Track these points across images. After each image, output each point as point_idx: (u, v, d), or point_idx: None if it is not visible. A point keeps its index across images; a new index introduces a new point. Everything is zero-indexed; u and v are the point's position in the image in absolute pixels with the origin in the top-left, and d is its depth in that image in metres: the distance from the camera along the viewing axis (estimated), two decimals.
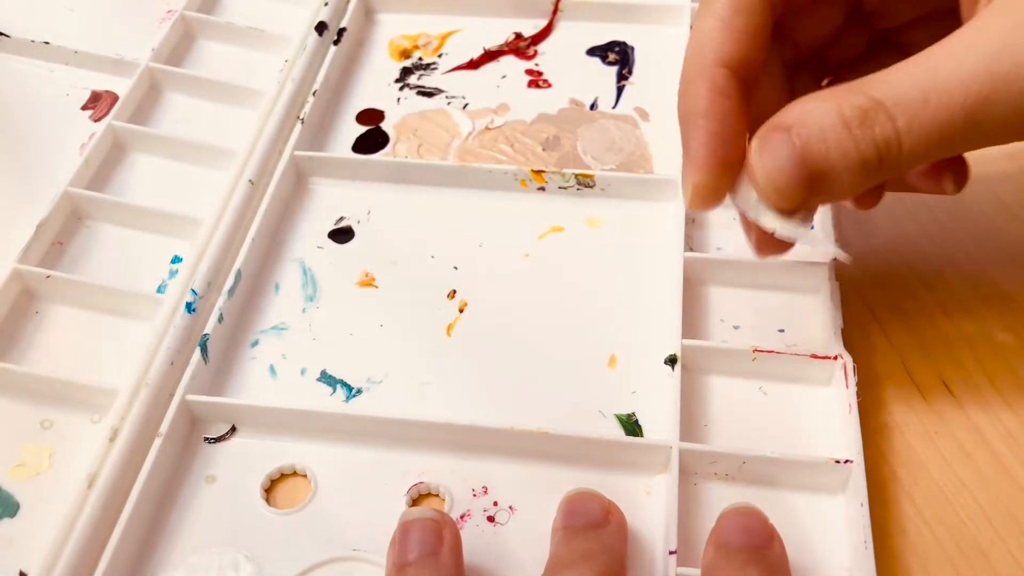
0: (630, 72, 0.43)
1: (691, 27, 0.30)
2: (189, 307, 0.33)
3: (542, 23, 0.45)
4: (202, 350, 0.32)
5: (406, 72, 0.44)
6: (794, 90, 0.31)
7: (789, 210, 0.27)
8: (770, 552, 0.26)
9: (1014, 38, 0.23)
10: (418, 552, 0.26)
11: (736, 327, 0.34)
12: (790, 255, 0.32)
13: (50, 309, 0.34)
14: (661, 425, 0.31)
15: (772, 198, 0.26)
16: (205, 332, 0.33)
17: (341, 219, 0.38)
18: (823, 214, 0.35)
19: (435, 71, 0.44)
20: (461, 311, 0.35)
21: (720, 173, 0.27)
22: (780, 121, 0.26)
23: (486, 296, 0.35)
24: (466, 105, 0.42)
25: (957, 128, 0.24)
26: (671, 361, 0.32)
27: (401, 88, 0.43)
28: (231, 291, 0.34)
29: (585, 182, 0.38)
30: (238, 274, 0.35)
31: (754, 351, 0.32)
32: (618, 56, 0.44)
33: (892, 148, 0.25)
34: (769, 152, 0.26)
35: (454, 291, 0.35)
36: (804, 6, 0.30)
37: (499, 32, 0.45)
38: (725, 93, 0.27)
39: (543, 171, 0.38)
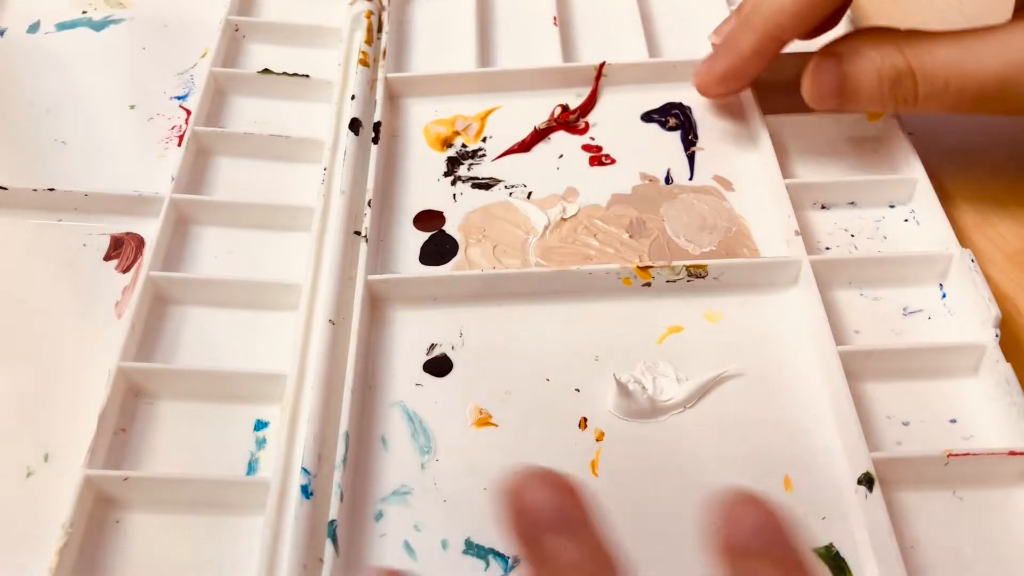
0: (696, 136, 0.40)
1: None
2: (305, 491, 0.29)
3: (584, 92, 0.42)
4: (332, 540, 0.28)
5: (453, 163, 0.40)
6: None
7: (822, 109, 0.36)
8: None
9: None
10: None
11: (905, 423, 0.31)
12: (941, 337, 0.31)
13: (132, 517, 0.29)
14: (864, 555, 0.28)
15: (813, 98, 0.35)
16: (331, 518, 0.28)
17: (432, 347, 0.34)
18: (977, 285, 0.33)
19: (484, 158, 0.40)
20: (599, 441, 0.31)
21: (725, 89, 0.39)
22: (837, 49, 0.35)
23: (622, 419, 0.32)
24: (530, 194, 0.38)
25: (964, 108, 0.33)
26: (867, 481, 0.28)
27: (453, 182, 0.39)
28: (344, 460, 0.30)
29: (697, 273, 0.34)
30: (346, 437, 0.30)
31: (948, 456, 0.29)
32: (678, 120, 0.41)
33: (908, 103, 0.33)
34: (818, 75, 0.35)
35: (584, 419, 0.32)
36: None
37: (539, 106, 0.41)
38: (765, 53, 0.36)
39: (650, 266, 0.34)
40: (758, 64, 0.37)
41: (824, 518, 0.29)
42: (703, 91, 0.40)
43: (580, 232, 0.37)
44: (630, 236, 0.36)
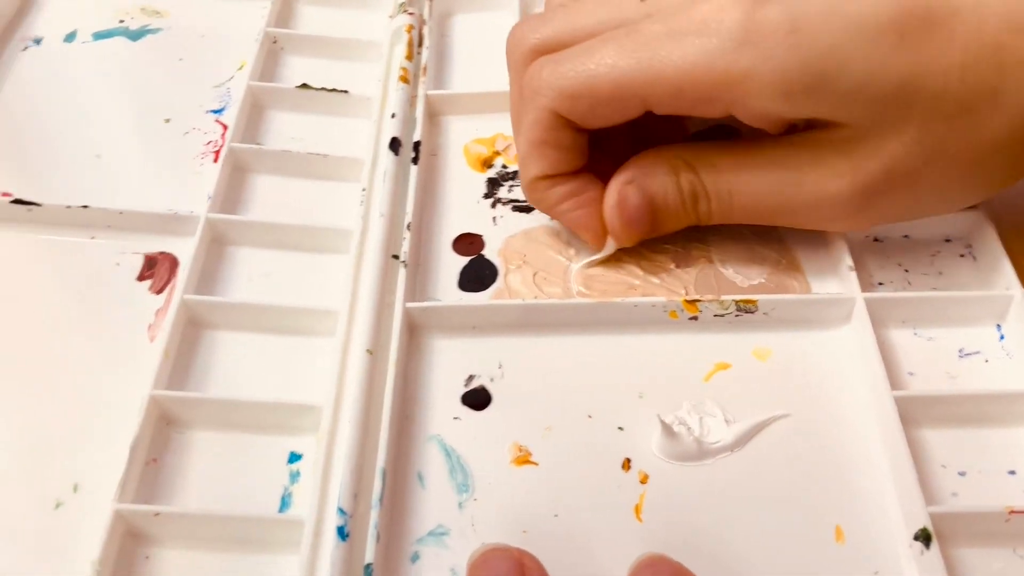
0: None
1: None
2: (341, 532, 0.28)
3: None
4: None
5: (494, 184, 0.39)
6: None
7: (631, 243, 0.35)
8: None
9: (806, 179, 0.32)
10: None
11: (962, 474, 0.30)
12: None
13: (162, 553, 0.28)
14: None
15: (620, 236, 0.34)
16: (368, 561, 0.27)
17: (471, 378, 0.33)
18: None
19: None
20: (643, 483, 0.30)
21: (631, 235, 0.34)
22: (631, 175, 0.33)
23: (667, 461, 0.30)
24: None
25: (752, 217, 0.33)
26: (924, 538, 0.27)
27: (493, 204, 0.38)
28: (381, 499, 0.29)
29: (746, 308, 0.33)
30: (383, 475, 0.29)
31: (1009, 512, 0.28)
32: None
33: (706, 215, 0.34)
34: (624, 204, 0.33)
35: (628, 460, 0.31)
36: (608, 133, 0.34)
37: None
38: (561, 192, 0.34)
39: (698, 300, 0.33)
40: (583, 194, 0.35)
41: (877, 573, 0.28)
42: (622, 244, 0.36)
43: (624, 260, 0.36)
44: (676, 266, 0.35)
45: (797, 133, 0.32)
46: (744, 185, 0.32)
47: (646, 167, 0.33)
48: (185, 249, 0.35)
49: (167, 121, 0.41)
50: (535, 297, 0.34)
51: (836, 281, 0.34)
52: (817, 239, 0.35)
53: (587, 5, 0.33)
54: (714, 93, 0.30)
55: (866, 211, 0.32)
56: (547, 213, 0.35)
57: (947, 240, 0.36)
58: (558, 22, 0.33)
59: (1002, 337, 0.33)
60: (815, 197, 0.32)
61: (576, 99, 0.31)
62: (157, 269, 0.35)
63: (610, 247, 0.35)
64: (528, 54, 0.33)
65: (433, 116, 0.41)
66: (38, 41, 0.44)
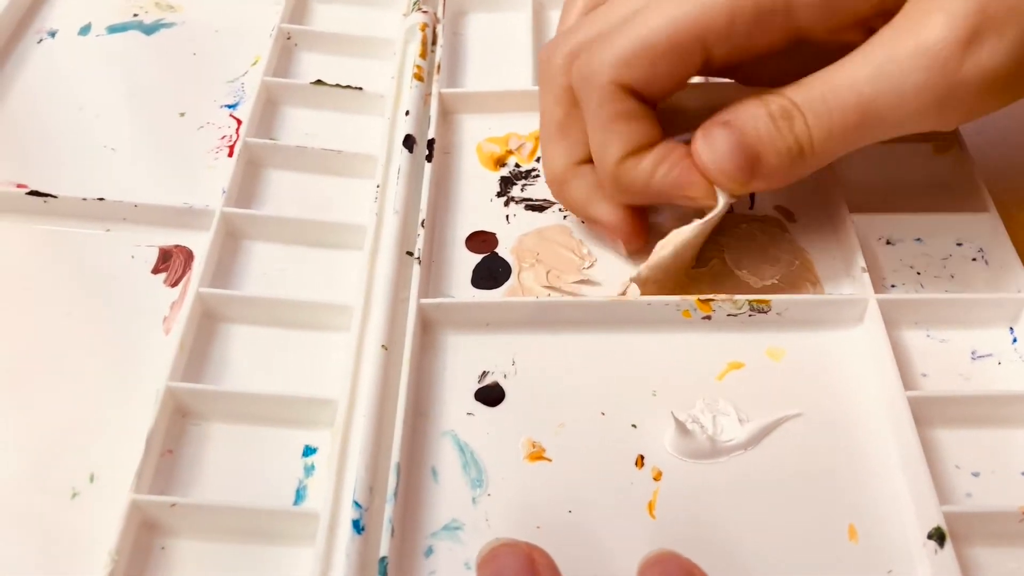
0: None
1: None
2: (356, 525, 0.28)
3: None
4: None
5: (507, 183, 0.39)
6: None
7: (740, 188, 0.32)
8: None
9: (896, 50, 0.29)
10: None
11: (975, 474, 0.30)
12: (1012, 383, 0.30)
13: (178, 544, 0.28)
14: None
15: (720, 180, 0.31)
16: (383, 555, 0.27)
17: (484, 375, 0.33)
18: None
19: (538, 179, 0.39)
20: (656, 480, 0.30)
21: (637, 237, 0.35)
22: (718, 118, 0.31)
23: (680, 458, 0.31)
24: None
25: (851, 124, 0.30)
26: (938, 537, 0.27)
27: (507, 203, 0.38)
28: (396, 493, 0.29)
29: (760, 308, 0.33)
30: (398, 469, 0.29)
31: (1023, 512, 0.28)
32: None
33: (806, 138, 0.30)
34: (712, 143, 0.31)
35: (641, 457, 0.31)
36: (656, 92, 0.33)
37: None
38: (653, 163, 0.32)
39: (711, 299, 0.33)
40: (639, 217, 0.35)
41: (890, 572, 0.28)
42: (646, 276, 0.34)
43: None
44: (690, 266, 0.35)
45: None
46: (838, 83, 0.30)
47: (732, 107, 0.32)
48: (200, 243, 0.35)
49: (182, 115, 0.41)
50: (548, 295, 0.35)
51: (849, 282, 0.34)
52: (830, 241, 0.36)
53: (610, 5, 0.33)
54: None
55: (971, 76, 0.28)
56: (643, 196, 0.33)
57: (959, 244, 0.36)
58: (587, 27, 0.33)
59: (1015, 340, 0.33)
60: (914, 66, 0.29)
61: (634, 63, 0.31)
62: (172, 262, 0.35)
63: (723, 201, 0.32)
64: (567, 58, 0.33)
65: (447, 114, 0.41)
66: (53, 34, 0.44)
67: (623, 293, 0.34)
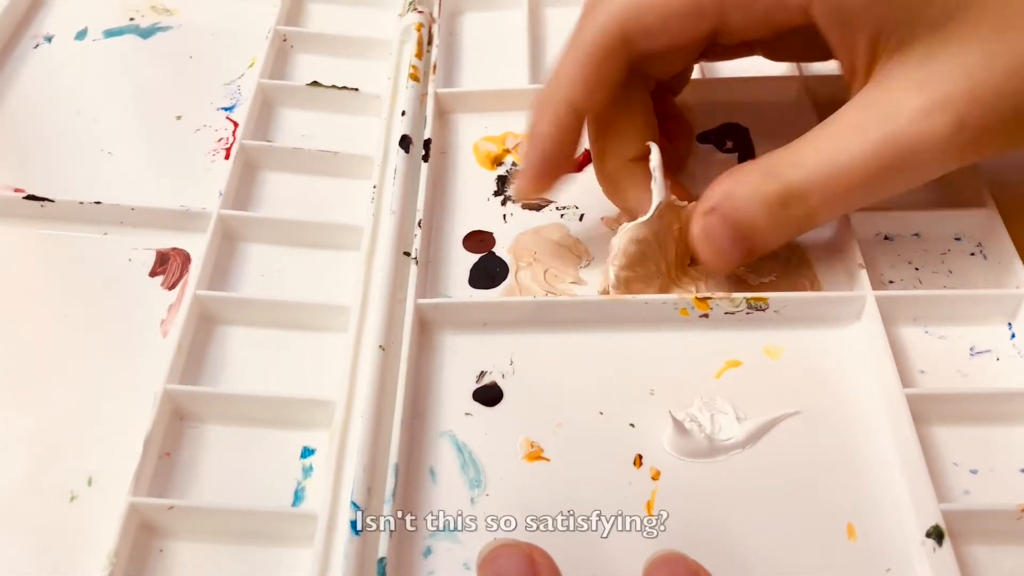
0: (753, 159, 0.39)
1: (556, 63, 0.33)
2: (354, 527, 0.28)
3: None
4: None
5: (504, 182, 0.39)
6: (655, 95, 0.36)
7: (728, 271, 0.33)
8: None
9: (896, 124, 0.29)
10: None
11: (973, 471, 0.30)
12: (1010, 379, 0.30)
13: (176, 546, 0.28)
14: None
15: (715, 261, 0.32)
16: (381, 555, 0.27)
17: (482, 375, 0.33)
18: None
19: None
20: (655, 480, 0.30)
21: (544, 183, 0.34)
22: (713, 202, 0.31)
23: (678, 458, 0.31)
24: (582, 216, 0.37)
25: (857, 197, 0.31)
26: (936, 535, 0.27)
27: (503, 202, 0.38)
28: (394, 494, 0.29)
29: (757, 305, 0.33)
30: (396, 470, 0.29)
31: (1021, 510, 0.28)
32: (736, 143, 0.39)
33: (808, 221, 0.31)
34: (711, 238, 0.31)
35: (639, 456, 0.31)
36: (661, 54, 0.33)
37: None
38: (564, 126, 0.33)
39: (709, 297, 0.33)
40: (568, 143, 0.33)
41: (889, 570, 0.28)
42: (524, 195, 0.37)
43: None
44: (689, 263, 0.35)
45: (864, 87, 0.30)
46: (842, 164, 0.29)
47: (724, 189, 0.31)
48: (197, 245, 0.35)
49: (178, 118, 0.41)
50: (546, 294, 0.35)
51: (847, 279, 0.34)
52: (828, 237, 0.36)
53: None
54: None
55: (964, 128, 0.29)
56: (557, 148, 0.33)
57: (957, 239, 0.36)
58: None
59: (1013, 335, 0.33)
60: (914, 128, 0.29)
61: (647, 10, 0.30)
62: (169, 265, 0.35)
63: (658, 200, 0.32)
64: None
65: (443, 114, 0.41)
66: (49, 39, 0.44)
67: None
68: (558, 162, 0.34)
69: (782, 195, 0.30)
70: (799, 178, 0.30)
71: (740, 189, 0.31)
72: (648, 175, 0.32)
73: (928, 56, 0.29)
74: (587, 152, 0.39)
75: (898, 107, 0.29)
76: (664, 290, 0.34)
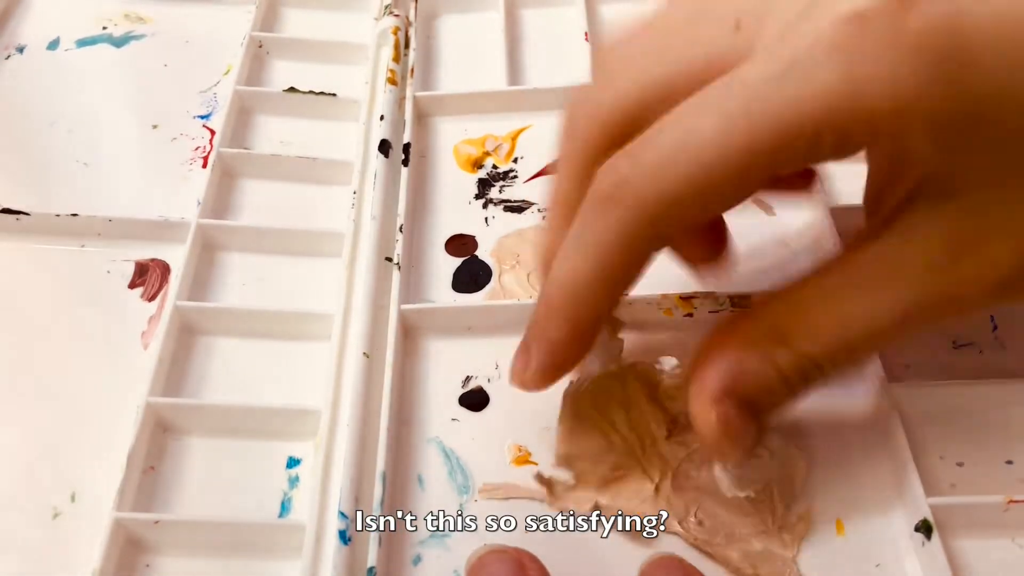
0: None
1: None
2: (343, 536, 0.28)
3: None
4: None
5: (485, 184, 0.39)
6: None
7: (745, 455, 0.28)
8: None
9: (931, 286, 0.25)
10: None
11: (960, 464, 0.30)
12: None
13: (163, 561, 0.28)
14: None
15: (738, 455, 0.27)
16: (370, 565, 0.27)
17: (468, 379, 0.33)
18: None
19: (516, 180, 0.39)
20: None
21: (553, 382, 0.29)
22: (722, 386, 0.26)
23: None
24: None
25: (871, 353, 0.30)
26: (924, 529, 0.27)
27: (485, 205, 0.38)
28: (382, 502, 0.29)
29: (741, 304, 0.33)
30: (384, 478, 0.29)
31: (1008, 502, 0.28)
32: None
33: (823, 383, 0.26)
34: (729, 426, 0.26)
35: None
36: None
37: None
38: (582, 333, 0.27)
39: (693, 296, 0.33)
40: (583, 346, 0.28)
41: (878, 565, 0.28)
42: (526, 390, 0.29)
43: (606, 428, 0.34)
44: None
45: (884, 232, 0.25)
46: (860, 329, 0.25)
47: (731, 367, 0.26)
48: (176, 256, 0.35)
49: (155, 127, 0.40)
50: (530, 297, 0.34)
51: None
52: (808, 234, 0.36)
53: (654, 49, 0.27)
54: (867, 126, 0.22)
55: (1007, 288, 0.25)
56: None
57: None
58: (625, 79, 0.27)
59: (995, 328, 0.33)
60: (947, 280, 0.25)
61: (682, 201, 0.24)
62: (148, 276, 0.35)
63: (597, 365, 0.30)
64: (599, 134, 0.27)
65: (422, 118, 0.41)
66: (21, 49, 0.44)
67: (548, 487, 0.30)
68: (571, 366, 0.29)
69: (799, 369, 0.26)
70: (817, 352, 0.26)
71: (751, 365, 0.26)
72: (610, 329, 0.30)
73: (971, 212, 0.24)
74: None
75: (931, 262, 0.25)
76: (620, 474, 0.30)
